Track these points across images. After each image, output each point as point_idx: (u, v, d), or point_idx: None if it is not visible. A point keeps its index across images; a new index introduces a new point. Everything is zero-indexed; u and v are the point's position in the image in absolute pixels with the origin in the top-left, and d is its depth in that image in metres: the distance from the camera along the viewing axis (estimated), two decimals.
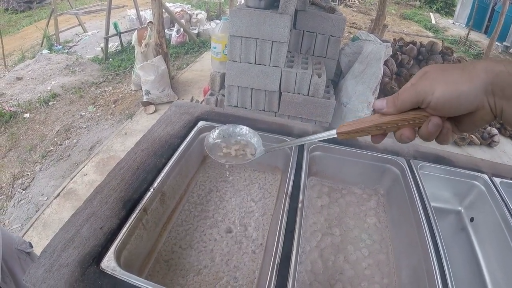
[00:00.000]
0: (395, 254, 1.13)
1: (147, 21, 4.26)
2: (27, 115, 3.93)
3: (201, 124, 1.40)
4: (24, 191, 2.78)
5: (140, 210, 0.98)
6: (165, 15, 5.96)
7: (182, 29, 5.95)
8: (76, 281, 0.79)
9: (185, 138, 1.30)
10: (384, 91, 3.37)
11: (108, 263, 0.83)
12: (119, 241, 0.88)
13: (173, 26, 6.25)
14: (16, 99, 4.21)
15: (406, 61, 3.57)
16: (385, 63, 3.47)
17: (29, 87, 4.57)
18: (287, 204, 0.99)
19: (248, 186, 1.35)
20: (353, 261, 1.11)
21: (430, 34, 10.41)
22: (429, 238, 0.95)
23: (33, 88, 4.54)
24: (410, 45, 3.75)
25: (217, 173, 1.42)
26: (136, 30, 4.23)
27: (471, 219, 1.32)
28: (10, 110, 3.91)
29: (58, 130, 3.63)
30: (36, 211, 2.50)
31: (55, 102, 4.23)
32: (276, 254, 0.83)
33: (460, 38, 9.63)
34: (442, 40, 6.87)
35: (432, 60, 3.53)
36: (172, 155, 1.21)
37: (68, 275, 0.80)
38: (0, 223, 2.38)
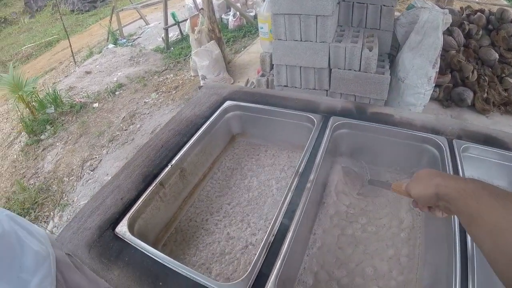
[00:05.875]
0: (422, 247, 1.00)
1: (199, 8, 4.37)
2: (96, 104, 4.35)
3: (227, 104, 1.41)
4: (92, 172, 3.10)
5: (156, 183, 1.04)
6: (221, 0, 6.04)
7: (238, 13, 5.98)
8: (94, 242, 0.89)
9: (209, 118, 1.32)
10: (451, 64, 2.98)
11: (121, 228, 0.91)
12: (134, 210, 0.96)
13: (230, 11, 6.31)
14: (85, 91, 4.68)
15: (475, 31, 3.08)
16: (451, 34, 3.05)
17: (97, 79, 5.04)
18: (294, 183, 0.95)
19: (272, 165, 1.33)
20: (372, 251, 1.01)
21: (504, 1, 8.84)
22: (457, 235, 0.81)
23: (101, 80, 5.00)
24: (478, 13, 3.24)
25: (244, 153, 1.42)
26: (189, 18, 4.36)
27: None
28: (80, 101, 4.38)
29: (124, 116, 3.97)
30: None
31: (121, 91, 4.61)
32: (271, 232, 0.81)
33: None
34: None
35: (503, 29, 3.00)
36: (194, 134, 1.24)
37: (89, 237, 0.91)
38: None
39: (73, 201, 2.75)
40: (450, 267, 0.76)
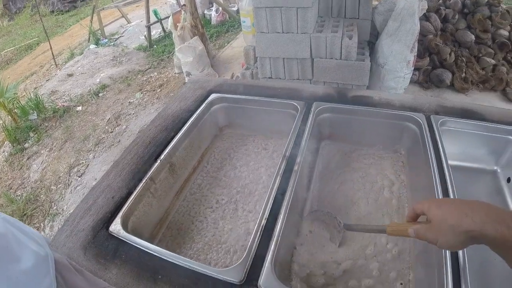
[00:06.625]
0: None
1: (182, 4, 4.34)
2: (79, 108, 4.24)
3: (212, 96, 1.42)
4: (79, 178, 3.02)
5: (146, 179, 1.05)
6: None
7: (220, 8, 5.95)
8: (89, 243, 0.90)
9: (195, 111, 1.34)
10: (429, 48, 3.06)
11: (115, 227, 0.92)
12: (126, 208, 0.97)
13: (212, 6, 6.28)
14: (68, 95, 4.56)
15: (451, 15, 3.21)
16: (428, 19, 3.14)
17: (79, 82, 4.91)
18: (282, 167, 0.98)
19: (260, 153, 1.36)
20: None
21: None
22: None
23: (84, 82, 4.88)
24: None
25: (232, 144, 1.44)
26: (171, 15, 4.33)
27: (508, 180, 1.17)
28: (63, 106, 4.26)
29: (109, 118, 3.90)
30: None
31: (104, 93, 4.52)
32: (263, 216, 0.84)
33: None
34: None
35: (478, 13, 3.11)
36: (181, 128, 1.25)
37: (83, 238, 0.92)
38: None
39: (62, 209, 2.69)
40: None
